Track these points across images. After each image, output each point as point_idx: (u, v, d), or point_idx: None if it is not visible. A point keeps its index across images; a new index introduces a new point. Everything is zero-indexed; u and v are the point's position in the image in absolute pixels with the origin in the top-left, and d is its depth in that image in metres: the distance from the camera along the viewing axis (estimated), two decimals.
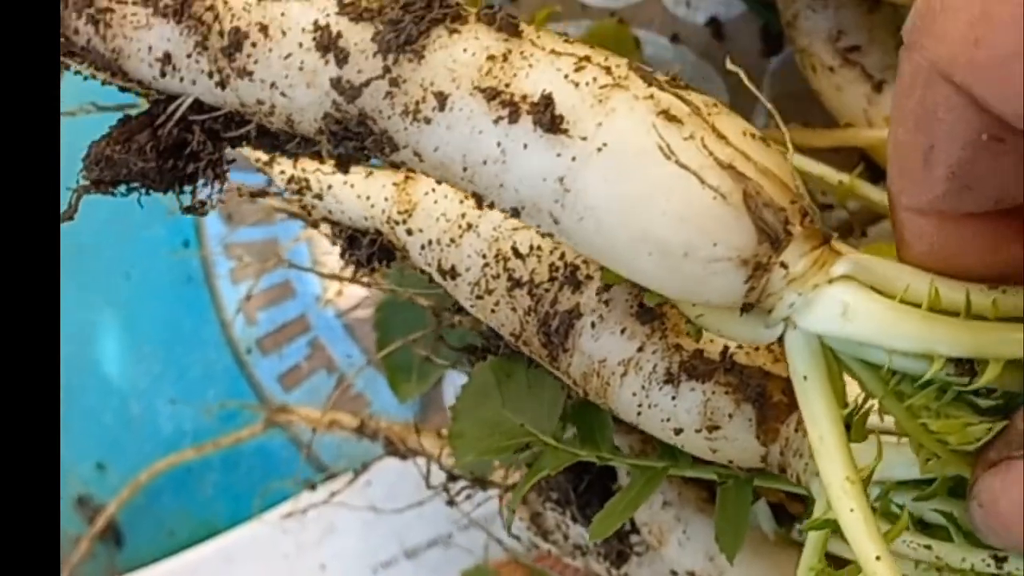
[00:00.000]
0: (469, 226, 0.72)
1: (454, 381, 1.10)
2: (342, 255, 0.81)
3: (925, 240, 0.52)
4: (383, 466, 1.05)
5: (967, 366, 0.51)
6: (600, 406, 0.69)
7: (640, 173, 0.53)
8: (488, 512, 1.04)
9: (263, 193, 1.08)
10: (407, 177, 0.75)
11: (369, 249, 0.78)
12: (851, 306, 0.53)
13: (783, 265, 0.54)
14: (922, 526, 0.59)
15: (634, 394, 0.67)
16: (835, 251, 0.55)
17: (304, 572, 1.13)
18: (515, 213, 0.57)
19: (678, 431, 0.66)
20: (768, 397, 0.65)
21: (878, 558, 0.52)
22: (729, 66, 0.58)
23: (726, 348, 0.66)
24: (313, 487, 1.11)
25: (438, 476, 0.94)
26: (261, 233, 1.17)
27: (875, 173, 0.90)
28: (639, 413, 0.67)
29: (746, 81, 0.57)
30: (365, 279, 0.96)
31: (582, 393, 0.70)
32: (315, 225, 0.82)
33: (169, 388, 1.22)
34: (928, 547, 0.59)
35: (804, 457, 0.62)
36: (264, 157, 0.81)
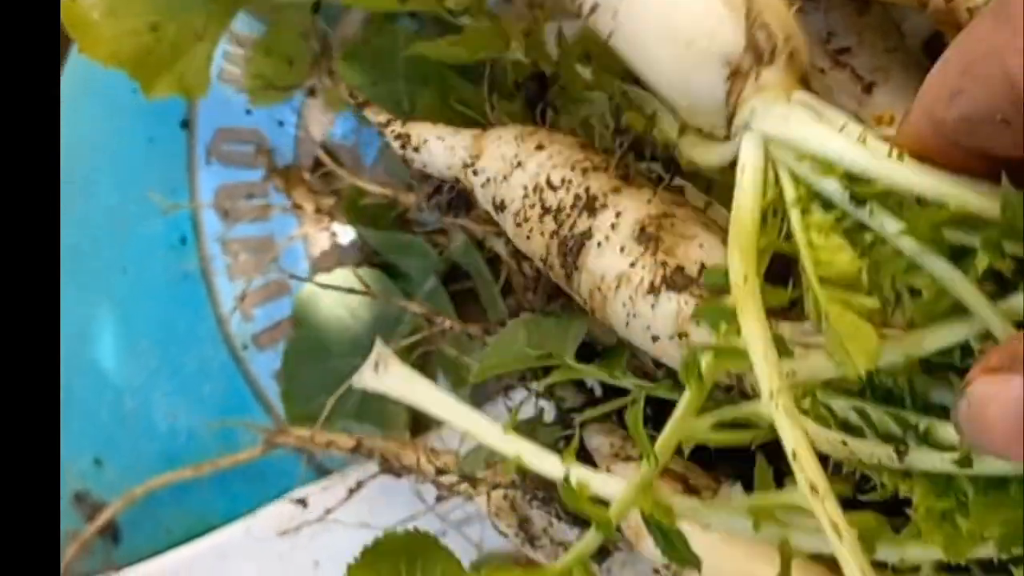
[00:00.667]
0: (519, 164, 0.85)
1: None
2: (428, 200, 0.96)
3: (915, 126, 0.61)
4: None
5: (858, 198, 0.62)
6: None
7: None
8: (480, 513, 1.04)
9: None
10: (484, 130, 0.91)
11: (449, 195, 0.94)
12: (793, 117, 0.65)
13: (757, 77, 0.67)
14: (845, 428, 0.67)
15: (623, 304, 0.77)
16: (803, 88, 0.67)
17: (297, 569, 1.13)
18: (592, 10, 0.74)
19: (655, 338, 0.76)
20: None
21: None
22: None
23: (703, 265, 0.75)
24: (304, 503, 1.11)
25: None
26: (257, 230, 1.17)
27: None
28: (627, 323, 0.77)
29: None
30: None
31: (590, 312, 0.81)
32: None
33: (165, 384, 1.23)
34: (843, 443, 0.66)
35: None
36: (383, 117, 0.97)
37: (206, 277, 1.20)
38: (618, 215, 0.79)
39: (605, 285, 0.78)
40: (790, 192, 0.64)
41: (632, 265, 0.77)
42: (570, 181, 0.82)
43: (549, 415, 0.94)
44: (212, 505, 1.19)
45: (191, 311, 1.21)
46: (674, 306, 0.75)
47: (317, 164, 1.13)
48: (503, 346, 0.89)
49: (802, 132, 0.65)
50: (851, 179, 0.62)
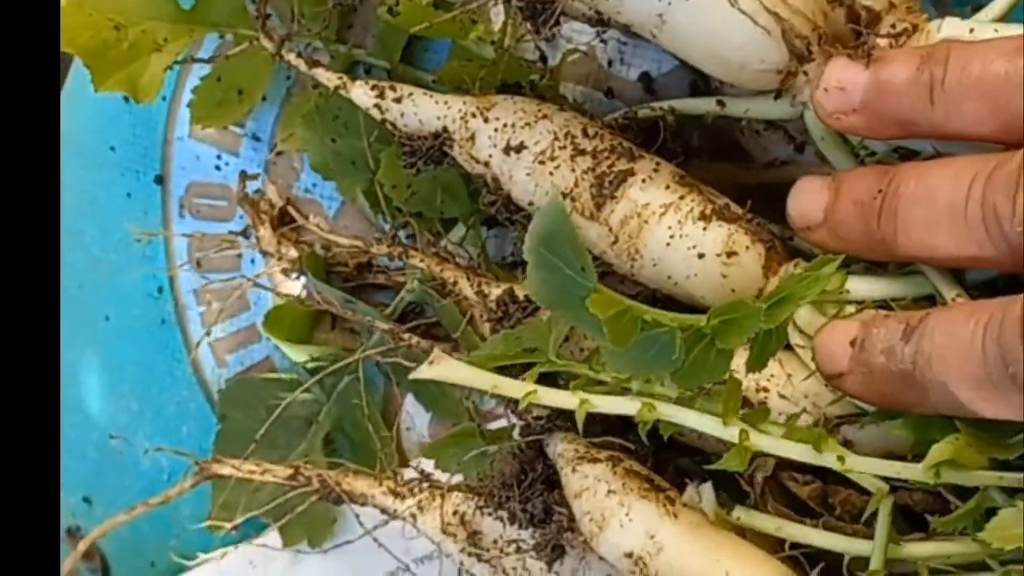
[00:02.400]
0: (544, 116, 0.95)
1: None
2: (401, 144, 1.00)
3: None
4: None
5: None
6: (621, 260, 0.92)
7: (713, 14, 0.83)
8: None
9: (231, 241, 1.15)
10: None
11: (433, 142, 0.99)
12: None
13: (804, 73, 0.85)
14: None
15: (669, 228, 0.89)
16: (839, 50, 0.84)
17: None
18: (626, 29, 0.90)
19: (701, 255, 0.88)
20: (775, 243, 0.90)
21: None
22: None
23: (743, 211, 0.90)
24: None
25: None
26: (228, 280, 1.23)
27: None
28: (668, 244, 0.89)
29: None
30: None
31: (609, 243, 0.91)
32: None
33: (146, 426, 1.29)
34: None
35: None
36: (345, 77, 1.01)
37: (181, 325, 1.26)
38: (658, 164, 0.93)
39: (648, 211, 0.89)
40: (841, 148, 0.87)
41: (681, 198, 0.90)
42: (602, 135, 0.94)
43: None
44: (191, 540, 1.24)
45: (169, 356, 1.27)
46: (725, 232, 0.88)
47: (283, 217, 1.19)
48: (485, 351, 0.93)
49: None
50: None
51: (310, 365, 1.15)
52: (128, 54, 1.12)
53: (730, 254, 0.88)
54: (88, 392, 1.33)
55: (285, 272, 1.16)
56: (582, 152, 0.93)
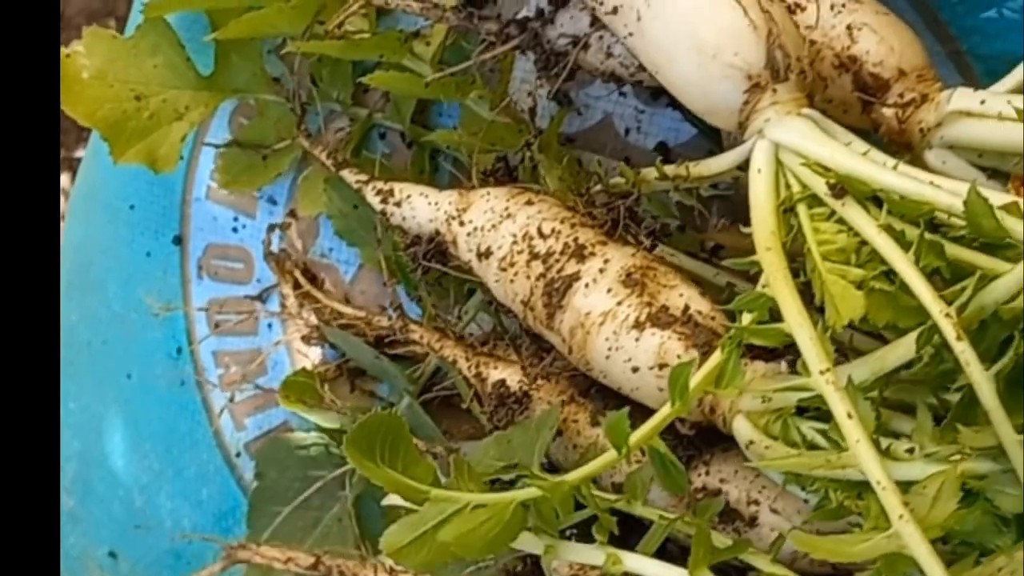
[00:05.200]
0: (508, 215, 0.93)
1: None
2: (405, 249, 1.02)
3: None
4: None
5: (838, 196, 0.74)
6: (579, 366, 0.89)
7: None
8: None
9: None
10: (470, 189, 0.99)
11: (428, 246, 1.00)
12: (804, 130, 0.77)
13: (774, 91, 0.78)
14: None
15: (607, 339, 0.85)
16: (809, 104, 0.79)
17: None
18: (613, 10, 0.84)
19: (635, 369, 0.84)
20: (712, 349, 0.81)
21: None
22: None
23: (687, 307, 0.85)
24: None
25: None
26: (246, 343, 1.22)
27: None
28: (607, 356, 0.85)
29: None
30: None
31: (567, 351, 0.88)
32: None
33: (168, 485, 1.28)
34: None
35: (730, 396, 0.80)
36: (363, 177, 1.06)
37: (200, 386, 1.25)
38: (606, 262, 0.88)
39: (589, 321, 0.87)
40: (797, 188, 0.76)
41: (619, 304, 0.86)
42: (559, 232, 0.91)
43: None
44: None
45: (189, 418, 1.26)
46: (657, 340, 0.84)
47: (298, 283, 1.17)
48: (479, 457, 0.92)
49: (806, 143, 0.76)
50: (844, 180, 0.74)
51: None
52: (148, 124, 1.12)
53: (661, 366, 0.84)
54: (113, 449, 1.32)
55: (304, 339, 1.15)
56: (536, 256, 0.91)
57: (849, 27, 0.88)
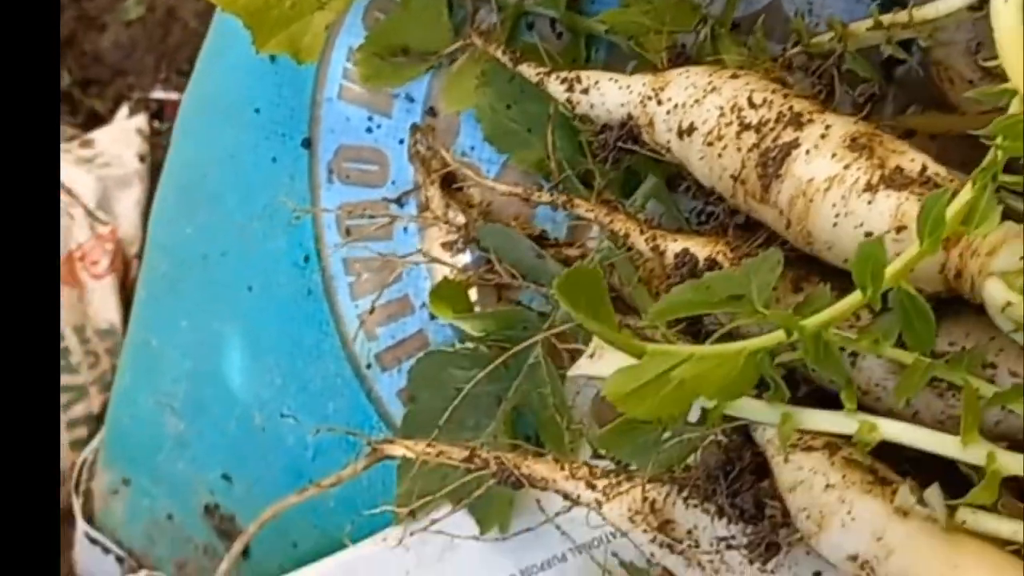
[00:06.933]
0: (713, 88, 0.88)
1: None
2: (596, 136, 0.98)
3: None
4: None
5: None
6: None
7: None
8: (606, 532, 1.02)
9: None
10: (665, 69, 0.95)
11: (619, 131, 0.95)
12: None
13: None
14: None
15: (834, 205, 0.79)
16: None
17: None
18: None
19: (868, 234, 0.77)
20: None
21: None
22: None
23: (924, 167, 0.78)
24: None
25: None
26: (380, 249, 1.16)
27: None
28: (835, 224, 0.79)
29: None
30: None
31: (784, 226, 0.82)
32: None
33: (291, 401, 1.23)
34: None
35: (980, 255, 0.73)
36: (545, 68, 1.01)
37: (329, 296, 1.19)
38: (827, 127, 0.82)
39: (813, 188, 0.80)
40: None
41: (846, 168, 0.79)
42: (771, 101, 0.85)
43: None
44: (337, 521, 1.19)
45: (315, 329, 1.21)
46: (893, 202, 0.77)
47: (445, 183, 1.12)
48: (672, 300, 0.80)
49: None
50: None
51: (489, 339, 1.07)
52: (290, 13, 1.07)
53: (899, 229, 0.77)
54: (230, 365, 1.28)
55: (446, 245, 1.09)
56: (747, 127, 0.85)
57: None
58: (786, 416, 0.74)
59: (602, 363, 0.78)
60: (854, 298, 0.70)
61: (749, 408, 0.76)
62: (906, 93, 0.99)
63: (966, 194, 0.69)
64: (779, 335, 0.72)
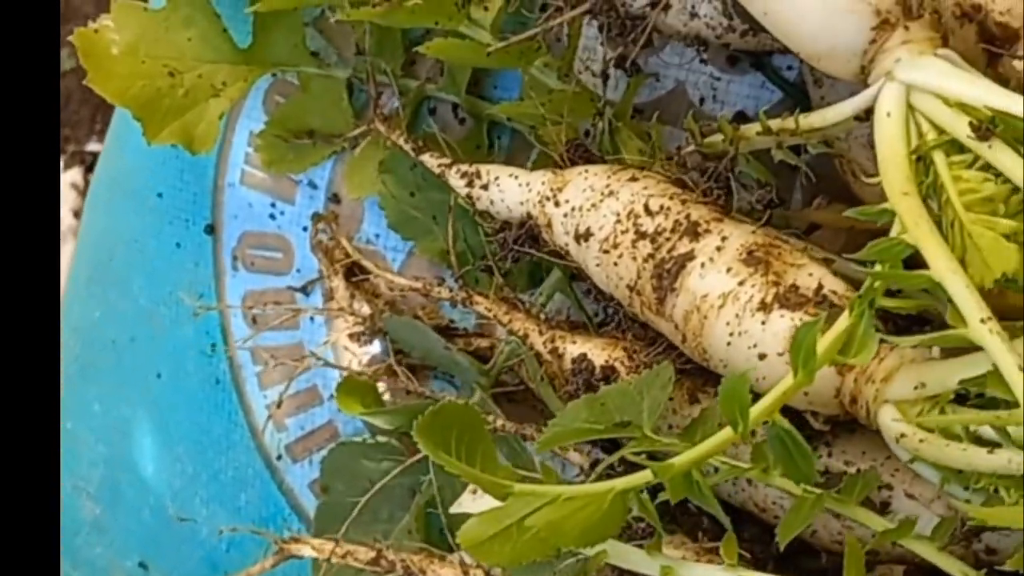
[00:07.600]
0: (611, 192, 0.86)
1: None
2: (496, 235, 0.95)
3: None
4: None
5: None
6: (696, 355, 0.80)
7: None
8: None
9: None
10: (563, 167, 0.92)
11: (518, 231, 0.93)
12: (943, 69, 0.69)
13: (906, 28, 0.70)
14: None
15: (727, 323, 0.77)
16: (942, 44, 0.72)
17: None
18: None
19: (762, 356, 0.75)
20: None
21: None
22: None
23: (820, 286, 0.76)
24: None
25: None
26: (286, 337, 1.14)
27: None
28: (729, 343, 0.77)
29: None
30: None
31: (680, 340, 0.80)
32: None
33: (203, 491, 1.20)
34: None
35: (875, 382, 0.72)
36: (446, 160, 0.98)
37: (237, 385, 1.17)
38: (723, 239, 0.80)
39: (707, 305, 0.78)
40: (932, 135, 0.69)
41: (740, 284, 0.77)
42: (668, 208, 0.83)
43: None
44: None
45: (224, 419, 1.18)
46: (787, 323, 0.75)
47: (348, 274, 1.09)
48: (566, 421, 0.81)
49: (950, 81, 0.69)
50: (999, 117, 0.66)
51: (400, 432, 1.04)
52: (183, 102, 1.03)
53: None
54: (141, 452, 1.24)
55: (354, 336, 1.07)
56: (643, 235, 0.83)
57: None
58: (666, 570, 0.72)
59: (484, 500, 0.75)
60: (725, 434, 0.68)
61: (628, 557, 0.73)
62: (815, 180, 0.97)
63: (843, 322, 0.67)
64: (647, 474, 0.69)
